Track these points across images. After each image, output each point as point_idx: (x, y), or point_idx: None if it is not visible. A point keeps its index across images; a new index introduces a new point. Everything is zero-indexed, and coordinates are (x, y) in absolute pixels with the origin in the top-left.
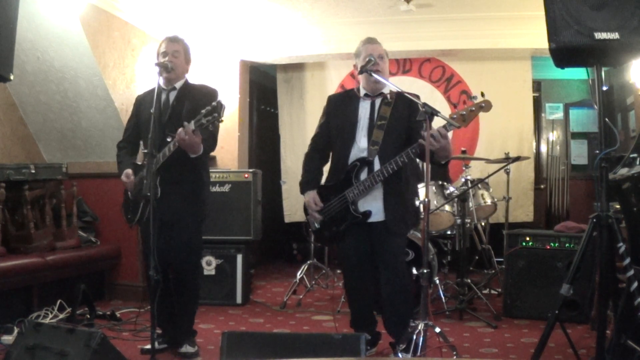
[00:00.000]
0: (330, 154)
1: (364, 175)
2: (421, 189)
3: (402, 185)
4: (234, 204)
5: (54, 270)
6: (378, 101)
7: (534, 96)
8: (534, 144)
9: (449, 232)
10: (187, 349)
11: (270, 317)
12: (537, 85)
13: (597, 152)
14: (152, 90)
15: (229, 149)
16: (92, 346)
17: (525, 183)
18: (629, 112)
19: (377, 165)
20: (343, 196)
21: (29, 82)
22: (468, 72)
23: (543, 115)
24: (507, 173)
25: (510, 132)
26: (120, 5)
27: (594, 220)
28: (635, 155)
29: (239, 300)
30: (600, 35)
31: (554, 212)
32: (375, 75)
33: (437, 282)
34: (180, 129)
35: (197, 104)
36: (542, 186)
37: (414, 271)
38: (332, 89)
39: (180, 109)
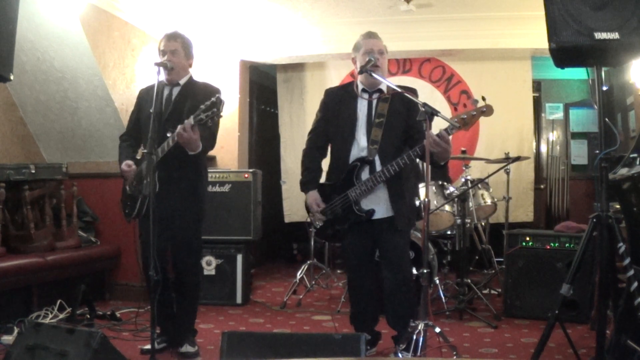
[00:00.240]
0: (329, 148)
1: (364, 174)
2: (421, 189)
3: (404, 183)
4: (234, 204)
5: (54, 270)
6: (375, 99)
7: (534, 96)
8: (534, 144)
9: (449, 232)
10: (187, 348)
11: (270, 317)
12: (537, 85)
13: (597, 152)
14: (154, 86)
15: (229, 149)
16: (92, 346)
17: (525, 183)
18: (629, 112)
19: (377, 164)
20: (345, 195)
21: (29, 82)
22: (468, 72)
23: (543, 115)
24: (507, 173)
25: (510, 132)
26: (120, 5)
27: (594, 220)
28: (635, 155)
29: (239, 300)
30: (600, 35)
31: (554, 212)
32: (375, 76)
33: (437, 282)
34: (180, 125)
35: (199, 101)
36: (542, 186)
37: (414, 271)
38: None
39: (182, 105)
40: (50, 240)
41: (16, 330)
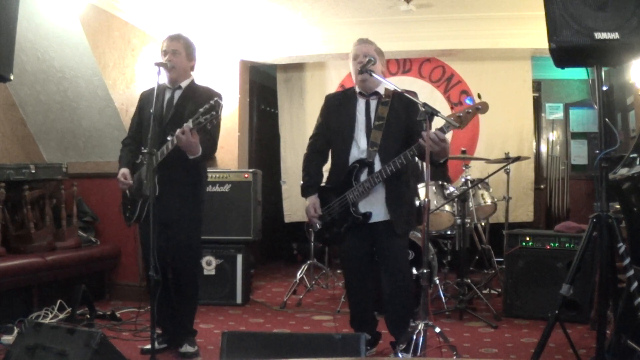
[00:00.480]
0: (330, 153)
1: (364, 176)
2: (421, 189)
3: (403, 185)
4: (234, 204)
5: (54, 270)
6: (374, 101)
7: (534, 96)
8: (534, 144)
9: (449, 232)
10: (187, 349)
11: (270, 317)
12: (537, 85)
13: (597, 152)
14: (157, 88)
15: (229, 149)
16: (92, 346)
17: (525, 183)
18: (629, 112)
19: (377, 166)
20: (343, 197)
21: (29, 82)
22: (468, 72)
23: (543, 115)
24: (507, 173)
25: (510, 132)
26: (120, 5)
27: (594, 220)
28: (635, 155)
29: (239, 300)
30: (600, 35)
31: (554, 212)
32: (375, 76)
33: (437, 282)
34: (179, 129)
35: (199, 105)
36: (542, 186)
37: (414, 271)
38: (332, 89)
39: (183, 109)
40: (50, 240)
41: (16, 330)
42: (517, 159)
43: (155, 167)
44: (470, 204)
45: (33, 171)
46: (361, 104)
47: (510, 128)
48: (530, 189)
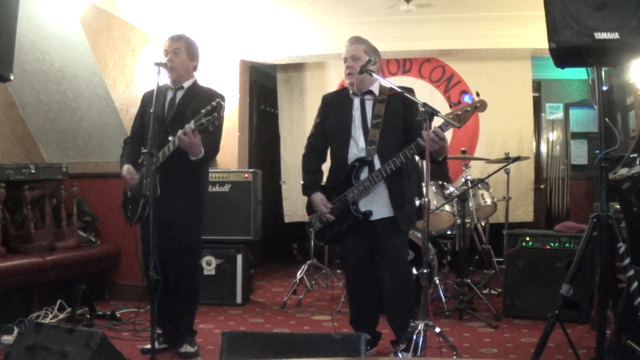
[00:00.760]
0: (328, 152)
1: (364, 175)
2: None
3: (404, 182)
4: (234, 204)
5: (54, 270)
6: (369, 101)
7: (534, 96)
8: (534, 144)
9: (449, 232)
10: (187, 349)
11: (270, 317)
12: (537, 85)
13: (597, 152)
14: (159, 89)
15: (229, 149)
16: (92, 346)
17: (525, 183)
18: (629, 112)
19: (377, 165)
20: (344, 197)
21: (29, 82)
22: (468, 72)
23: (543, 115)
24: (507, 173)
25: (510, 132)
26: (120, 5)
27: (594, 220)
28: (635, 155)
29: (239, 300)
30: (600, 35)
31: (554, 212)
32: (375, 76)
33: (437, 282)
34: (180, 130)
35: (202, 106)
36: (542, 186)
37: (414, 271)
38: (332, 88)
39: (185, 109)
40: (50, 240)
41: (16, 330)
42: (517, 159)
43: (157, 167)
44: (470, 204)
45: (33, 171)
46: (357, 103)
47: (510, 128)
48: (530, 189)
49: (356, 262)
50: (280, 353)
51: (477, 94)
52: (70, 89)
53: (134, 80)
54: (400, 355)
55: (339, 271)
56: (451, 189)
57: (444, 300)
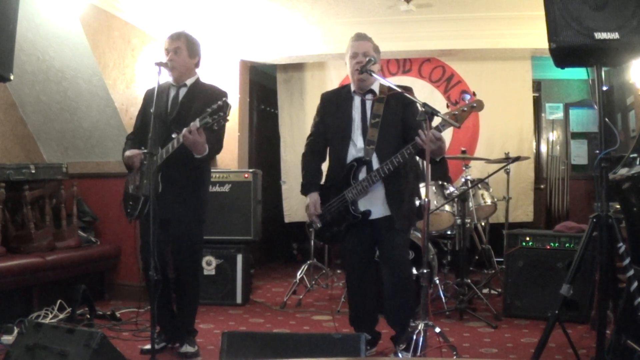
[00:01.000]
0: (328, 152)
1: (362, 175)
2: (421, 189)
3: (402, 181)
4: (234, 204)
5: (54, 270)
6: (369, 99)
7: (534, 96)
8: (534, 144)
9: (449, 232)
10: (187, 348)
11: (270, 317)
12: (537, 85)
13: (597, 152)
14: (161, 86)
15: (229, 149)
16: (92, 346)
17: (525, 183)
18: (629, 112)
19: (375, 164)
20: (342, 196)
21: (29, 82)
22: (468, 72)
23: (543, 115)
24: (507, 173)
25: (510, 132)
26: (120, 5)
27: (594, 220)
28: (635, 155)
29: (239, 300)
30: (600, 35)
31: (554, 212)
32: (375, 75)
33: (437, 282)
34: (185, 128)
35: (206, 105)
36: (542, 186)
37: (414, 271)
38: (332, 88)
39: (188, 107)
40: (50, 240)
41: (16, 330)
42: (517, 159)
43: (159, 165)
44: (470, 204)
45: (33, 171)
46: (357, 102)
47: (510, 128)
48: (530, 189)
49: (356, 262)
50: (280, 353)
51: (474, 94)
52: (70, 89)
53: (134, 80)
54: (400, 355)
55: (339, 271)
56: (451, 189)
57: (444, 300)
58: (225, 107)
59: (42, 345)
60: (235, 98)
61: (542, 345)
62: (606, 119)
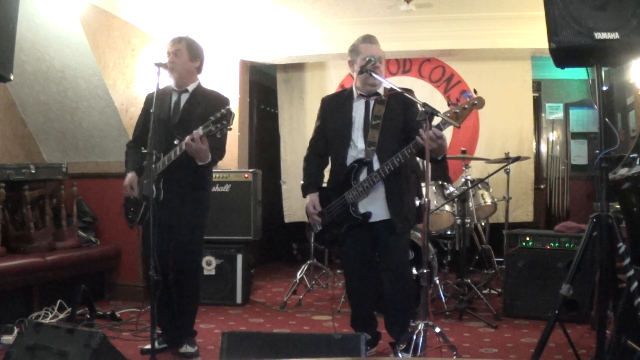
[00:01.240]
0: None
1: (363, 176)
2: (422, 188)
3: (403, 183)
4: (234, 204)
5: (54, 270)
6: (372, 101)
7: (534, 96)
8: (534, 144)
9: (449, 232)
10: (187, 349)
11: (270, 317)
12: (537, 85)
13: (597, 152)
14: (162, 90)
15: (229, 149)
16: (92, 346)
17: (525, 183)
18: (629, 112)
19: (376, 166)
20: (343, 198)
21: (29, 82)
22: (468, 72)
23: (543, 115)
24: (507, 173)
25: (510, 132)
26: (120, 5)
27: (594, 220)
28: (635, 155)
29: (239, 300)
30: (600, 35)
31: (554, 212)
32: (375, 75)
33: (437, 282)
34: (188, 136)
35: (209, 111)
36: (542, 186)
37: (414, 271)
38: (332, 89)
39: (191, 113)
40: (50, 240)
41: (16, 330)
42: (517, 159)
43: (161, 170)
44: (470, 204)
45: (33, 171)
46: (360, 104)
47: (510, 128)
48: (530, 189)
49: (356, 263)
50: (280, 353)
51: (475, 92)
52: (70, 89)
53: (134, 80)
54: (400, 355)
55: (339, 271)
56: (451, 189)
57: (444, 300)
58: (229, 115)
59: (42, 345)
60: (235, 98)
61: (542, 345)
62: (606, 119)
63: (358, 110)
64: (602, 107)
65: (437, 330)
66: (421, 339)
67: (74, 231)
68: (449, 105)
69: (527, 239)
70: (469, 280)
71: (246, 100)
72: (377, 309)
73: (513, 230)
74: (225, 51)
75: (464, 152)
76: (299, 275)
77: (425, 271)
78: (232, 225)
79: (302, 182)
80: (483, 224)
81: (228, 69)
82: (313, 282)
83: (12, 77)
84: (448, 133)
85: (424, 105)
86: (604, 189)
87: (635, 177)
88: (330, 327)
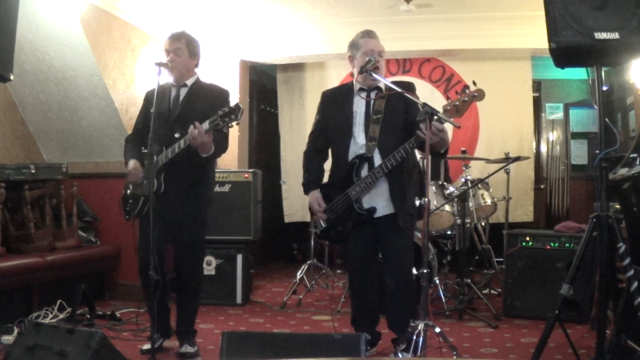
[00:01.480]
0: (330, 150)
1: (364, 171)
2: None
3: (405, 177)
4: (234, 204)
5: (54, 270)
6: (373, 95)
7: (534, 96)
8: (534, 144)
9: (449, 232)
10: (187, 349)
11: (270, 317)
12: (537, 85)
13: (597, 152)
14: (161, 86)
15: (229, 149)
16: (92, 346)
17: (525, 183)
18: (629, 112)
19: (377, 161)
20: (346, 194)
21: (29, 82)
22: (468, 72)
23: (543, 115)
24: (507, 173)
25: (510, 132)
26: (120, 5)
27: (594, 220)
28: (635, 155)
29: (239, 300)
30: (600, 35)
31: (554, 212)
32: (375, 76)
33: (437, 282)
34: (191, 128)
35: (210, 104)
36: (542, 186)
37: (414, 271)
38: None
39: (191, 107)
40: (50, 240)
41: (16, 330)
42: (517, 159)
43: (163, 164)
44: (470, 204)
45: (33, 171)
46: (361, 99)
47: (510, 128)
48: (530, 189)
49: (358, 261)
50: (280, 353)
51: (474, 83)
52: (70, 89)
53: (134, 80)
54: (400, 355)
55: (339, 271)
56: (451, 189)
57: (444, 300)
58: (237, 110)
59: (42, 345)
60: (235, 98)
61: (542, 345)
62: (606, 119)
63: (359, 105)
64: (602, 107)
65: (437, 330)
66: (421, 339)
67: (74, 231)
68: (448, 98)
69: (527, 239)
70: (469, 280)
71: (246, 100)
72: (380, 310)
73: (513, 230)
74: (225, 51)
75: (464, 152)
76: (299, 275)
77: (425, 271)
78: (232, 225)
79: (303, 180)
80: (483, 224)
81: (228, 69)
82: (313, 282)
83: (12, 77)
84: (448, 133)
85: (424, 105)
86: (604, 189)
87: (635, 177)
88: (330, 327)
